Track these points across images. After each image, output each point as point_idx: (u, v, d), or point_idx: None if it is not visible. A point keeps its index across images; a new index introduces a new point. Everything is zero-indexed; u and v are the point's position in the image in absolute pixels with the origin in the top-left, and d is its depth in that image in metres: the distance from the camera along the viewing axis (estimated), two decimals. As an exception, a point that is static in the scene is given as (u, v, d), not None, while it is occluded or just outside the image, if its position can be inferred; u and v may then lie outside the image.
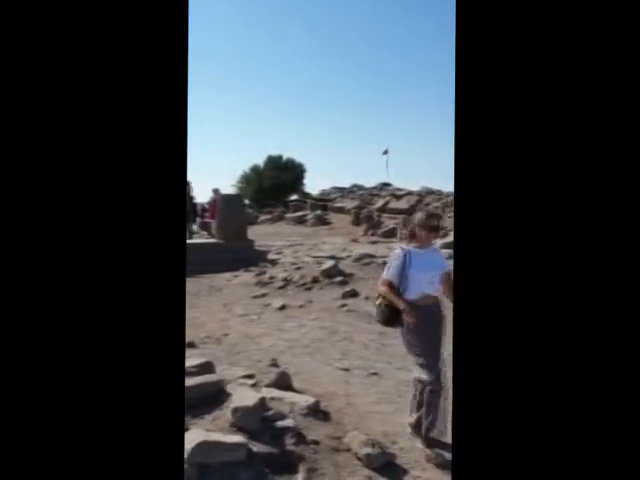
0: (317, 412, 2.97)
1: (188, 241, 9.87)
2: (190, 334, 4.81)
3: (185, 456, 2.13)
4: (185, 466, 2.10)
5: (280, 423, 2.67)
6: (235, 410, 2.57)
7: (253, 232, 12.77)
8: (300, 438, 2.62)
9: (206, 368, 3.21)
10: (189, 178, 14.44)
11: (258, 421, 2.60)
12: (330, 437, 2.72)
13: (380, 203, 17.64)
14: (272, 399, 2.96)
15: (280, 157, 26.98)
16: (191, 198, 11.45)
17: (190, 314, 5.79)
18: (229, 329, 5.24)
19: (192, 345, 4.38)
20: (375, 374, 3.92)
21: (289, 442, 2.55)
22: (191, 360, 3.36)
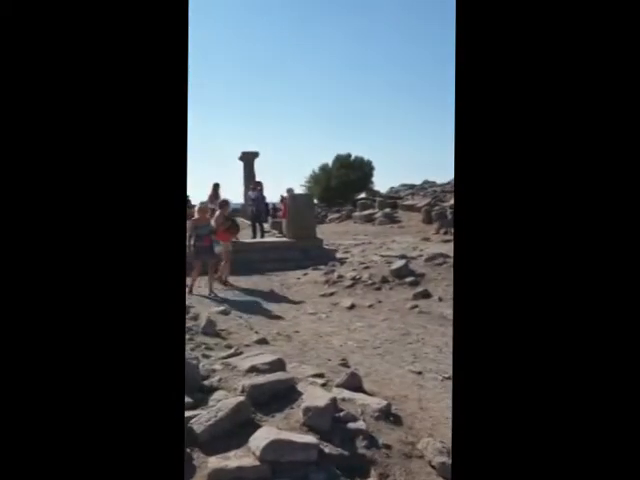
0: (389, 415, 2.90)
1: (260, 240, 10.14)
2: (263, 331, 4.93)
3: (257, 453, 2.15)
4: (257, 463, 2.13)
5: (351, 425, 2.63)
6: (306, 409, 2.57)
7: (321, 231, 12.86)
8: (372, 441, 2.56)
9: (277, 365, 3.25)
10: (259, 179, 14.83)
11: (329, 422, 2.58)
12: (402, 442, 2.64)
13: (453, 200, 17.01)
14: (343, 400, 2.93)
15: (349, 156, 26.96)
16: (263, 198, 11.74)
17: (260, 310, 5.94)
18: (299, 327, 5.30)
19: (264, 342, 4.47)
20: (449, 379, 3.77)
21: (360, 445, 2.51)
22: (263, 357, 3.43)
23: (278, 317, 5.73)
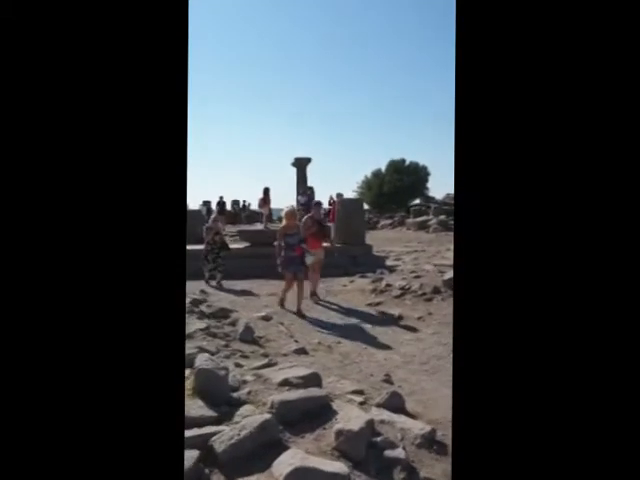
0: (433, 443, 2.59)
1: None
2: (303, 340, 4.72)
3: (279, 482, 1.94)
4: (279, 493, 1.91)
5: (389, 453, 2.35)
6: (339, 432, 2.32)
7: (372, 237, 12.54)
8: (412, 474, 2.27)
9: (313, 380, 3.03)
10: (311, 184, 14.76)
11: (364, 448, 2.32)
12: (448, 476, 2.32)
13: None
14: (382, 422, 2.65)
15: (403, 161, 26.43)
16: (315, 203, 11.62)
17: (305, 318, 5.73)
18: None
19: (303, 351, 4.26)
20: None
21: (398, 477, 2.23)
22: (298, 370, 3.21)
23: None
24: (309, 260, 6.14)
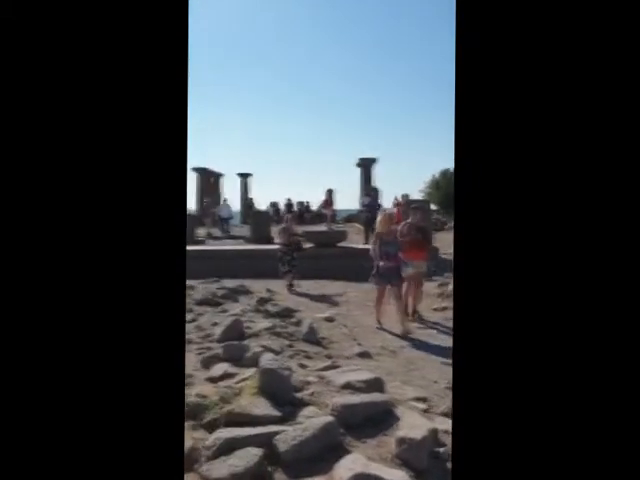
0: (500, 458, 2.48)
1: (369, 246, 9.90)
2: (367, 343, 4.71)
3: (339, 487, 1.95)
4: (339, 497, 1.92)
5: (453, 465, 2.29)
6: (401, 440, 2.29)
7: (439, 239, 12.20)
8: (476, 488, 2.19)
9: (375, 385, 3.01)
10: (376, 185, 14.65)
11: (426, 457, 2.27)
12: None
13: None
14: (446, 432, 2.58)
15: (473, 160, 25.42)
16: (378, 204, 11.55)
17: (369, 321, 5.70)
18: (408, 341, 4.97)
19: (367, 355, 4.25)
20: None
21: (462, 491, 2.16)
22: (361, 373, 3.21)
23: (374, 326, 5.46)
24: (408, 271, 5.50)
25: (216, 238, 15.04)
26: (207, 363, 3.49)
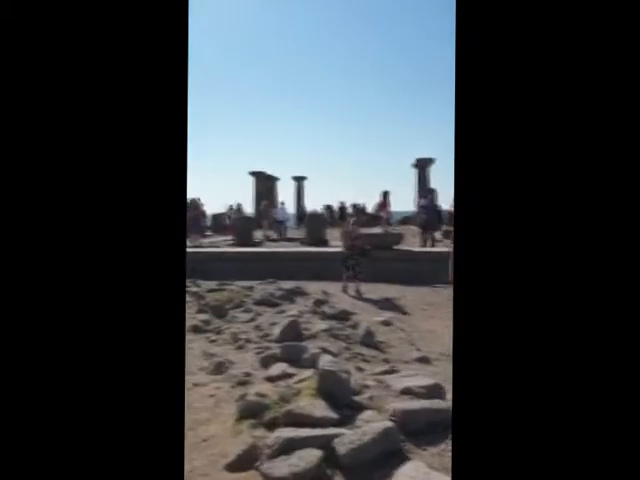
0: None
1: (429, 249, 9.69)
2: (425, 349, 4.60)
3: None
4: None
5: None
6: (464, 450, 2.21)
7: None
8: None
9: (435, 391, 2.93)
10: (433, 186, 14.34)
11: (492, 470, 2.18)
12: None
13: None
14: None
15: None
16: (434, 206, 11.28)
17: (427, 326, 5.58)
18: None
19: (426, 361, 4.15)
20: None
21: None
22: (420, 379, 3.14)
23: (444, 334, 5.30)
24: None
25: (273, 240, 15.33)
26: (265, 362, 3.55)
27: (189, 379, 3.40)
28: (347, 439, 2.24)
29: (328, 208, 21.16)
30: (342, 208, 19.02)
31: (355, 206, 22.50)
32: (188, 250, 10.29)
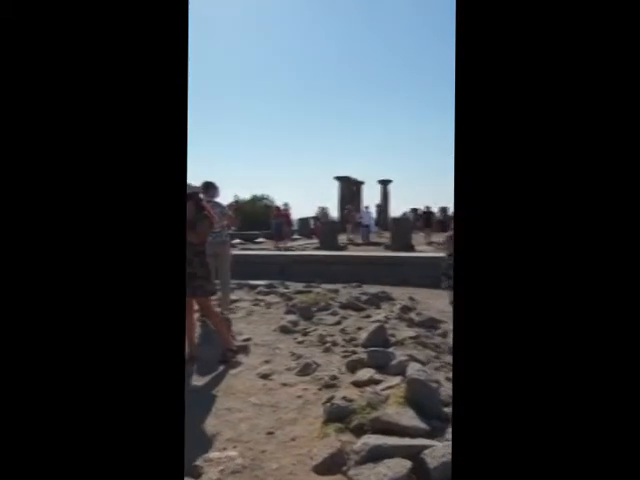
0: None
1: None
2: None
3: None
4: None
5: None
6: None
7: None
8: None
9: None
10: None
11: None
12: None
13: None
14: None
15: None
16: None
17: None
18: None
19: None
20: None
21: None
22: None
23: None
24: None
25: (356, 244, 15.35)
26: (352, 367, 3.54)
27: (277, 378, 3.49)
28: (438, 452, 2.15)
29: (414, 211, 20.73)
30: (428, 212, 18.52)
31: (444, 210, 21.77)
32: (271, 253, 10.66)
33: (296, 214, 18.10)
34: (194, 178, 5.14)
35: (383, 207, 26.96)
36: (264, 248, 12.97)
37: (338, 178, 26.00)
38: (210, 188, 5.28)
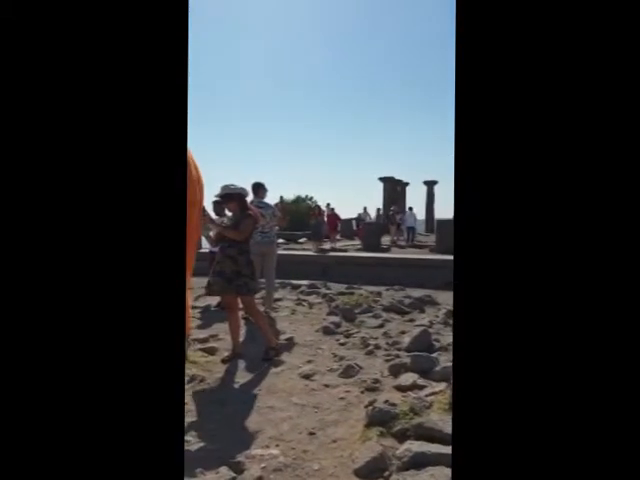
0: None
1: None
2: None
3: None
4: None
5: None
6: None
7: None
8: None
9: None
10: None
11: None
12: None
13: None
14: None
15: None
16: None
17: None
18: None
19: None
20: None
21: None
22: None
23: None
24: None
25: (401, 247, 15.16)
26: (395, 371, 3.50)
27: (319, 379, 3.50)
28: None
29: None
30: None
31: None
32: (313, 253, 10.70)
33: (341, 215, 18.05)
34: (240, 179, 5.24)
35: (428, 209, 26.50)
36: (306, 248, 13.05)
37: (382, 179, 25.79)
38: (260, 189, 5.37)
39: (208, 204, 5.67)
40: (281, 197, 22.89)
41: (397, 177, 26.36)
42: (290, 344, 4.41)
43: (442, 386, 2.95)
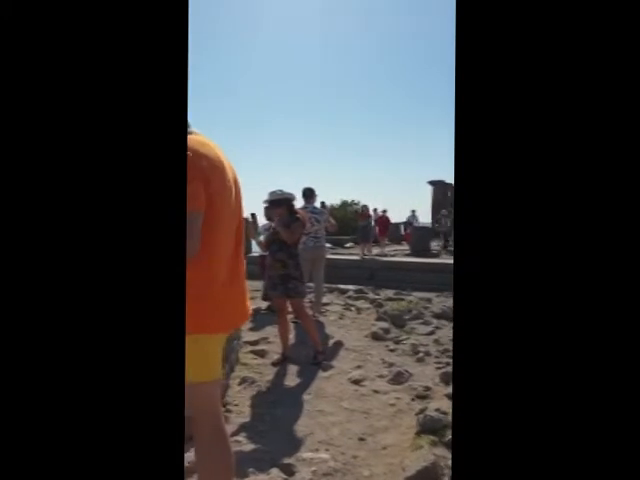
0: None
1: None
2: None
3: None
4: None
5: None
6: None
7: None
8: None
9: None
10: None
11: None
12: None
13: None
14: None
15: None
16: None
17: None
18: None
19: None
20: None
21: None
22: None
23: None
24: None
25: (451, 252, 14.81)
26: (446, 379, 3.42)
27: (369, 385, 3.47)
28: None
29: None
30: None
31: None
32: (360, 258, 10.64)
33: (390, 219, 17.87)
34: (289, 185, 5.33)
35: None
36: (353, 253, 13.03)
37: (431, 182, 25.35)
38: (310, 195, 5.44)
39: (255, 209, 5.78)
40: (322, 203, 23.02)
41: (448, 180, 25.82)
42: (339, 349, 4.41)
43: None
